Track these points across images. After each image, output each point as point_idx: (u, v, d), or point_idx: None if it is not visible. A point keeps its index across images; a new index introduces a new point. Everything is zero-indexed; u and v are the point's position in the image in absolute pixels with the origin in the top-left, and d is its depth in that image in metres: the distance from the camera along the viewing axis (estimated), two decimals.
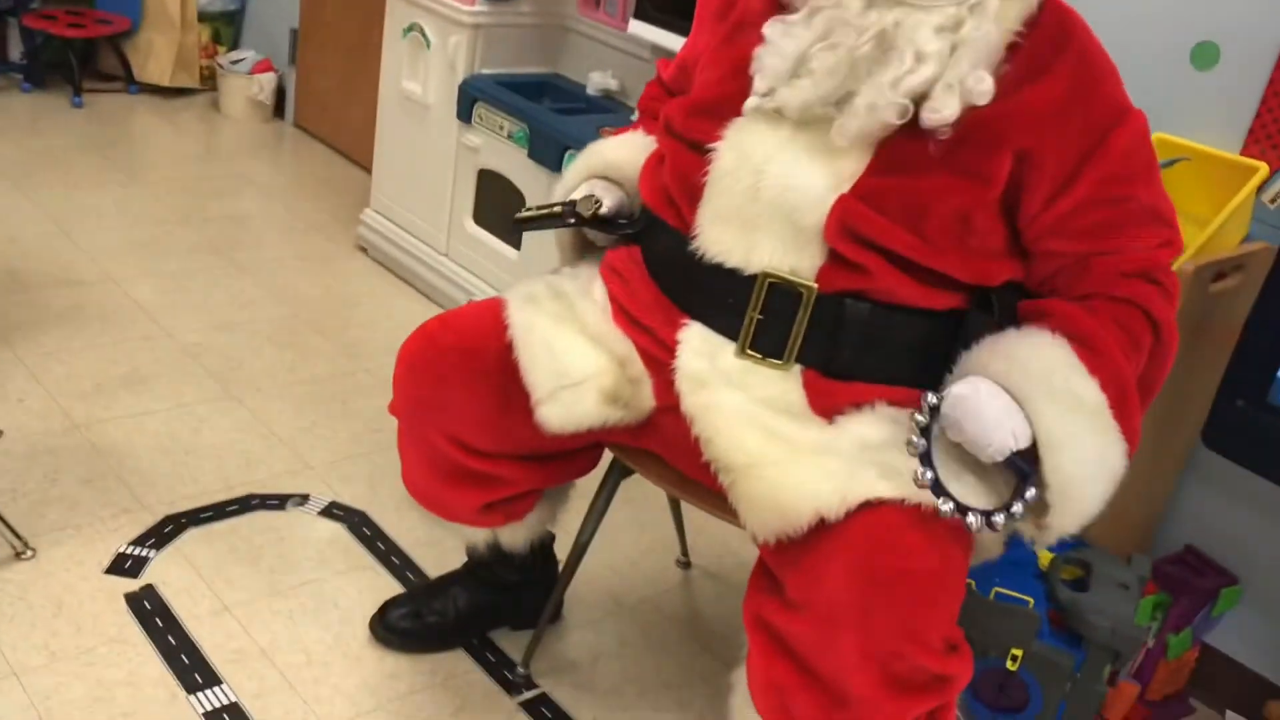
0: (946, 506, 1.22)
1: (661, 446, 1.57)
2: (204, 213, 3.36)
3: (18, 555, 1.87)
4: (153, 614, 1.81)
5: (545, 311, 1.56)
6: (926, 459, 1.23)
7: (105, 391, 2.37)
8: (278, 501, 2.15)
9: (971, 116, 1.30)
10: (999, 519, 1.23)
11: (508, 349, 1.53)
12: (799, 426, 1.38)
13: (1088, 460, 1.25)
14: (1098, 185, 1.32)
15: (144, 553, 1.94)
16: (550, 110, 2.75)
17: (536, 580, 1.90)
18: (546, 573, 1.91)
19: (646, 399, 1.49)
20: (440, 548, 2.08)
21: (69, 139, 3.73)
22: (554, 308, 1.56)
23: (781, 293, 1.38)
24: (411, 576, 2.03)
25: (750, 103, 1.37)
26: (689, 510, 2.06)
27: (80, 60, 4.03)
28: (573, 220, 1.61)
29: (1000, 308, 1.41)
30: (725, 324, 1.43)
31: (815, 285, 1.37)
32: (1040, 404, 1.24)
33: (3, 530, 1.86)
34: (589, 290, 1.59)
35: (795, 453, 1.34)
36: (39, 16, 4.00)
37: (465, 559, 1.89)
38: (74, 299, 2.72)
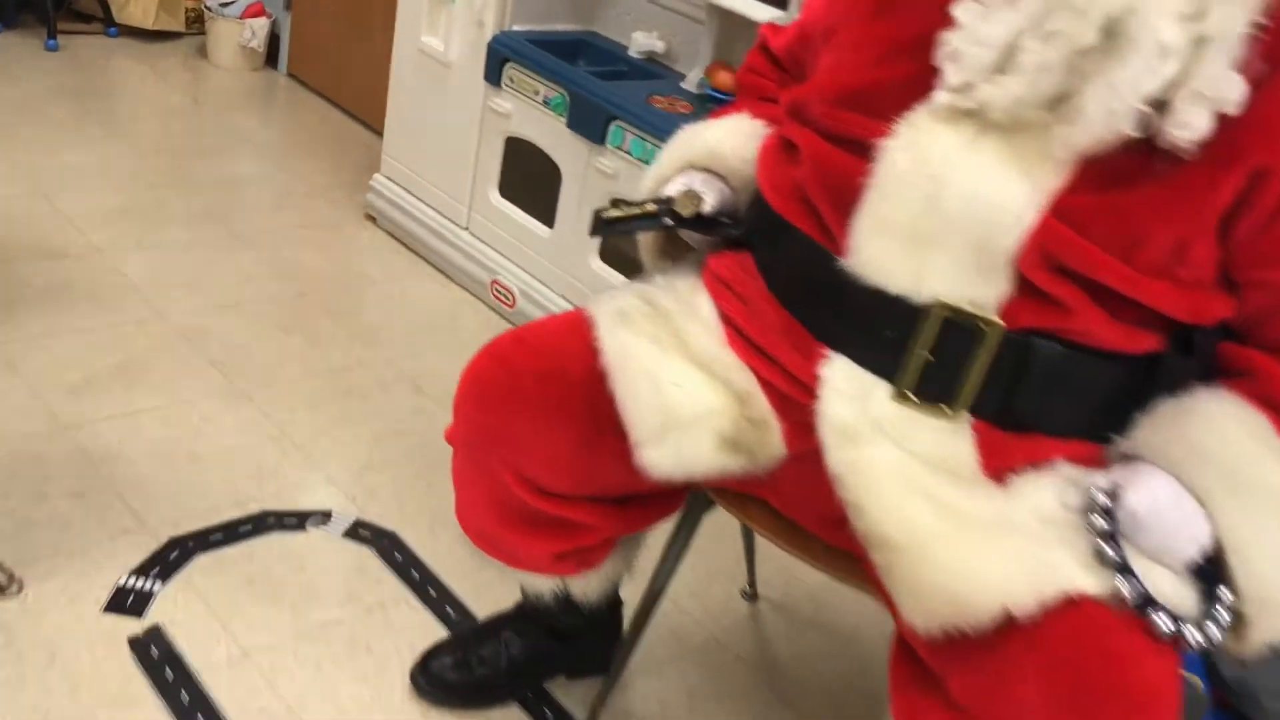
0: (1165, 627, 1.01)
1: (775, 494, 1.34)
2: (195, 174, 3.06)
3: (3, 590, 1.61)
4: (161, 663, 1.57)
5: (643, 333, 1.30)
6: (1126, 570, 1.02)
7: (95, 385, 2.10)
8: (296, 520, 1.90)
9: None
10: (1193, 633, 1.03)
11: (597, 376, 1.28)
12: (969, 493, 1.14)
13: None
14: None
15: (148, 585, 1.69)
16: (590, 74, 2.47)
17: (600, 626, 1.66)
18: (611, 617, 1.68)
19: (774, 445, 1.25)
20: (482, 576, 1.83)
21: (43, 86, 3.40)
22: (653, 328, 1.31)
23: (957, 328, 1.14)
24: (452, 611, 1.79)
25: (941, 98, 1.11)
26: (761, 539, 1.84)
27: None
28: (670, 222, 1.35)
29: (1201, 351, 1.18)
30: (878, 359, 1.19)
31: (1000, 322, 1.13)
32: (1221, 499, 1.05)
33: None
34: (693, 306, 1.34)
35: (967, 528, 1.11)
36: None
37: (517, 595, 1.66)
38: (56, 274, 2.43)
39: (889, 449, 1.16)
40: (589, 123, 2.37)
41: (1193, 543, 1.05)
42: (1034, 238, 1.08)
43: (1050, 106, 1.06)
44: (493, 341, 1.39)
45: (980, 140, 1.11)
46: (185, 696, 1.53)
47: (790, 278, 1.27)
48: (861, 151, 1.16)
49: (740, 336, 1.29)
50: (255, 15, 3.82)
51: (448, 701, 1.62)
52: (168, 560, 1.75)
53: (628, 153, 2.31)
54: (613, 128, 2.32)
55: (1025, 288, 1.12)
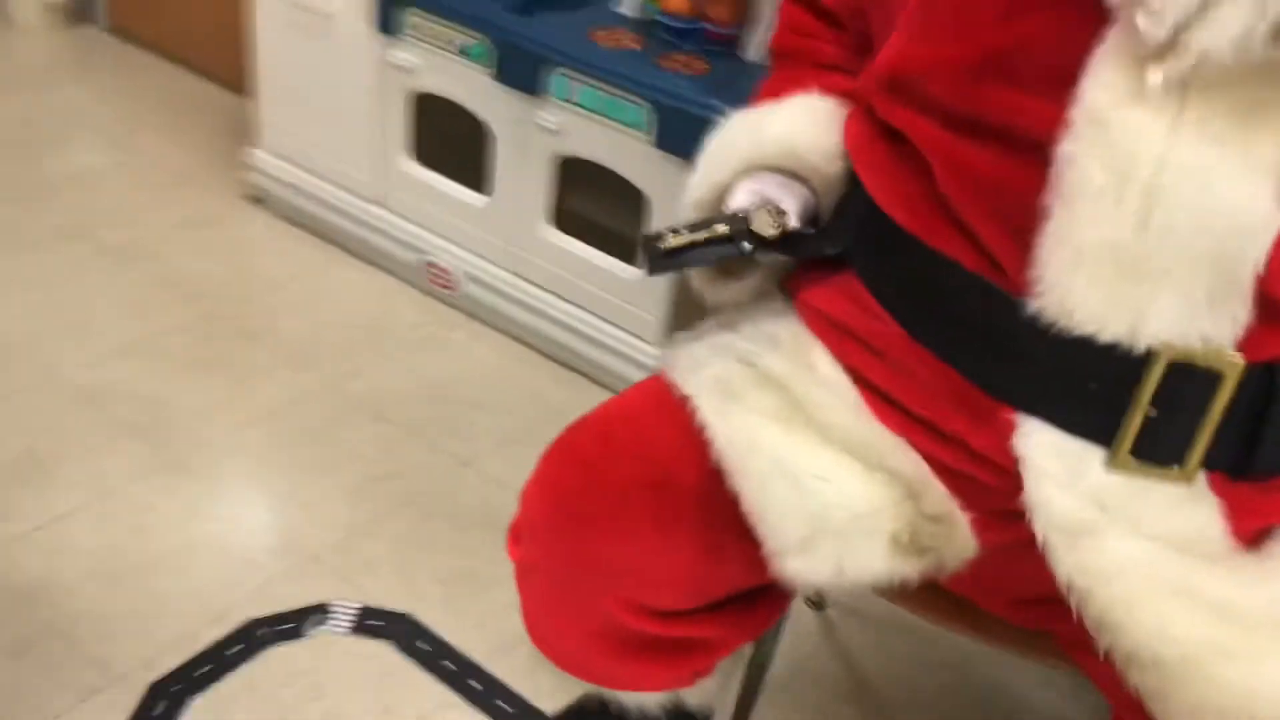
0: None
1: (953, 580, 1.10)
2: (33, 177, 2.57)
3: None
4: None
5: (759, 410, 1.02)
6: None
7: None
8: (292, 626, 1.59)
9: None
10: None
11: (712, 475, 1.01)
12: (1232, 580, 0.91)
13: None
14: None
15: None
16: (509, 11, 2.09)
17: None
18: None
19: (963, 543, 1.00)
20: (521, 651, 1.57)
21: None
22: (770, 403, 1.03)
23: (1188, 374, 0.90)
24: (505, 705, 1.52)
25: (1153, 76, 0.83)
26: None
27: None
28: (749, 246, 1.06)
29: None
30: (1085, 422, 0.94)
31: (1241, 359, 0.89)
32: None
33: None
34: (810, 364, 1.06)
35: (1249, 631, 0.89)
36: None
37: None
38: None
39: (1129, 541, 0.92)
40: (521, 73, 2.02)
41: None
42: None
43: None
44: (568, 439, 1.09)
45: (1186, 120, 0.84)
46: None
47: (944, 321, 1.00)
48: (1014, 146, 0.89)
49: (886, 402, 1.02)
50: None
51: None
52: (152, 717, 1.43)
53: (578, 104, 1.97)
54: (555, 77, 1.97)
55: (1271, 310, 0.89)
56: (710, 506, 1.03)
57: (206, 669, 1.50)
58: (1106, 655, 0.92)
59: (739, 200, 1.10)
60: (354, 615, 1.62)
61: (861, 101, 1.08)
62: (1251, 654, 0.88)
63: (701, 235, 1.06)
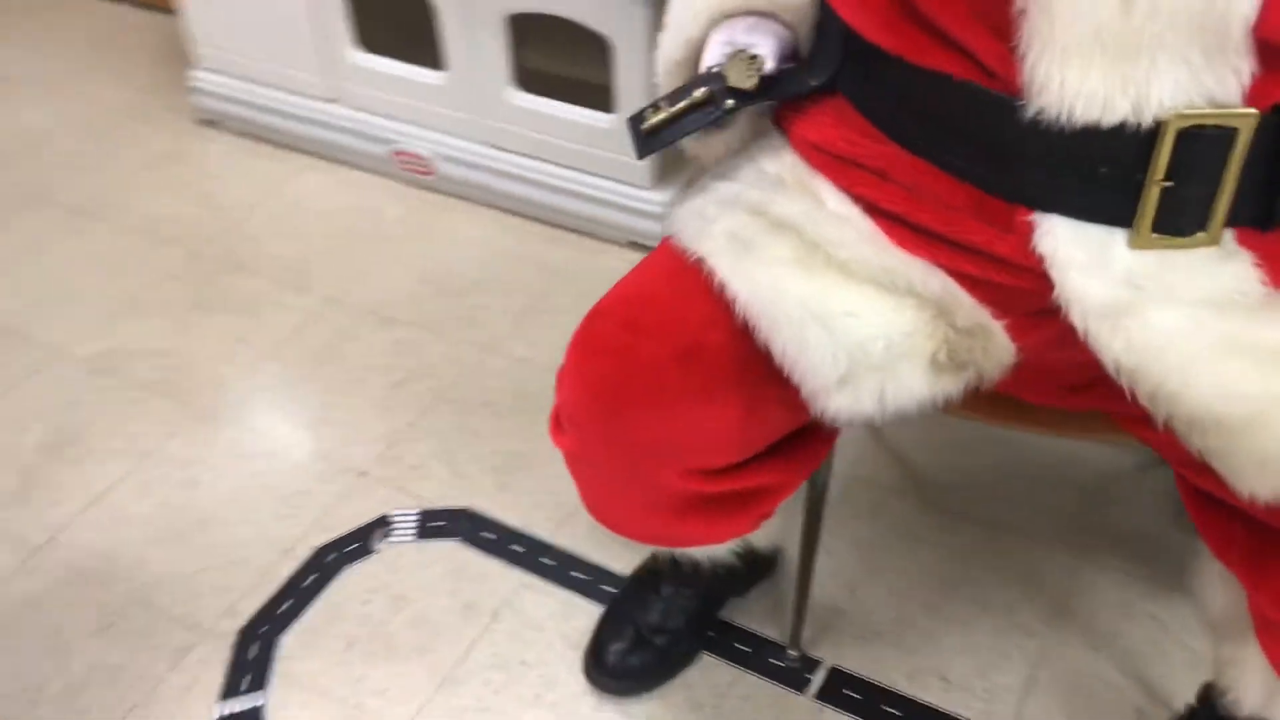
0: None
1: (998, 384, 1.10)
2: None
3: None
4: None
5: (776, 258, 1.00)
6: None
7: (37, 480, 1.73)
8: (358, 545, 1.62)
9: None
10: None
11: (741, 332, 1.00)
12: (1274, 324, 0.91)
13: None
14: None
15: (251, 703, 1.42)
16: None
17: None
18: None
19: (1002, 350, 0.99)
20: (582, 518, 1.59)
21: None
22: (788, 249, 1.00)
23: (1200, 139, 0.87)
24: (581, 574, 1.56)
25: None
26: None
27: None
28: (733, 103, 1.03)
29: None
30: (1102, 207, 0.91)
31: (1253, 110, 0.86)
32: None
33: None
34: (817, 200, 1.03)
35: None
36: None
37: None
38: None
39: (1169, 311, 0.91)
40: None
41: None
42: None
43: None
44: (592, 329, 1.08)
45: None
46: None
47: (944, 133, 0.96)
48: None
49: (902, 226, 0.99)
50: None
51: (640, 688, 1.42)
52: (249, 661, 1.47)
53: None
54: None
55: (1271, 56, 0.85)
56: (744, 364, 1.02)
57: (288, 605, 1.54)
58: (1166, 425, 0.92)
59: (712, 56, 1.05)
60: (415, 521, 1.64)
61: None
62: None
63: (681, 104, 1.03)
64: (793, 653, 1.45)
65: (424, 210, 2.25)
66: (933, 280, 0.98)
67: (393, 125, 2.25)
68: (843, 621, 1.50)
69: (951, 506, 1.64)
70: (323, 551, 1.60)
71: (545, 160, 2.11)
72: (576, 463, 1.17)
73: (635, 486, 1.14)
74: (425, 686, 1.43)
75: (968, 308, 0.98)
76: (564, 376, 1.11)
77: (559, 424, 1.16)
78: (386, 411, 1.81)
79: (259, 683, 1.45)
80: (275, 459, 1.75)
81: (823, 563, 1.55)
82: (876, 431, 1.75)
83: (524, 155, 2.13)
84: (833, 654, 1.46)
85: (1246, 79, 0.84)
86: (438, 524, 1.64)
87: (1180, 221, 0.91)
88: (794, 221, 1.01)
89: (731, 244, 1.02)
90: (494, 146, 2.15)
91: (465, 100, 2.13)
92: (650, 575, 1.47)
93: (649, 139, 1.04)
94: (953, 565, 1.56)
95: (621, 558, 1.57)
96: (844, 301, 0.98)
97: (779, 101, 1.08)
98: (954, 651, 1.46)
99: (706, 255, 1.03)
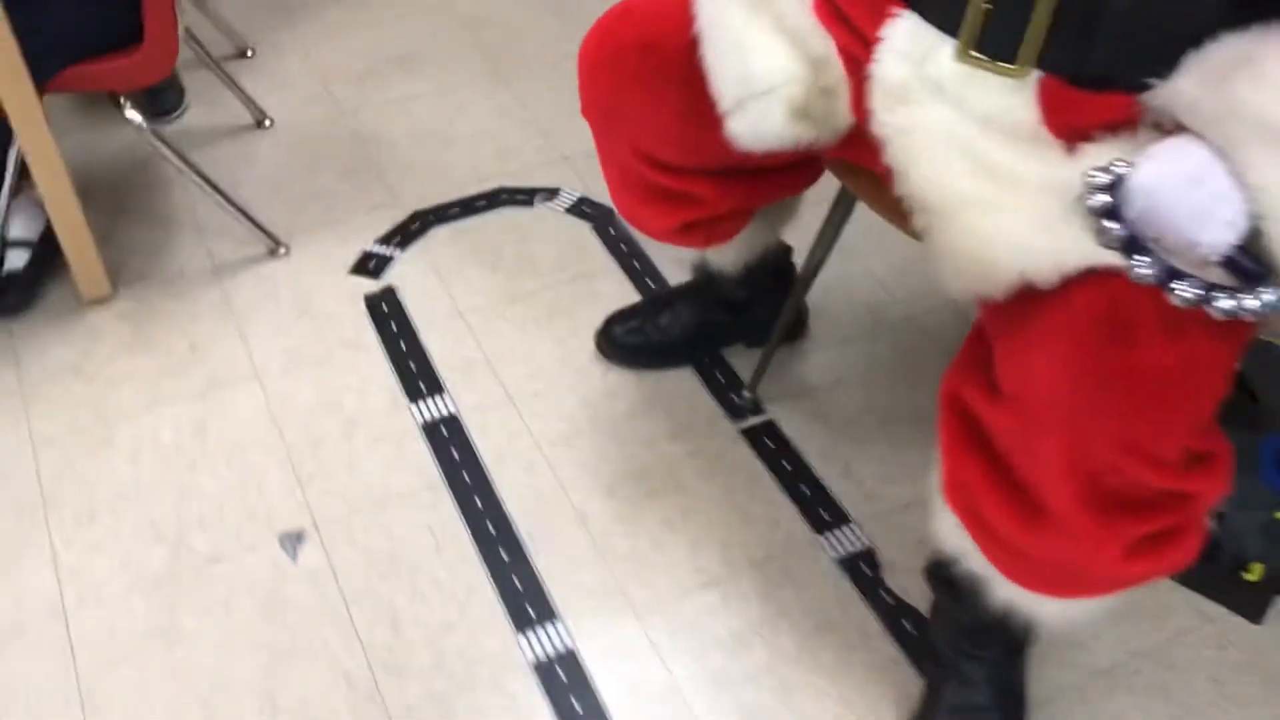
0: (1144, 270, 0.89)
1: (878, 164, 1.28)
2: None
3: (272, 253, 1.92)
4: (388, 318, 1.82)
5: (738, 1, 1.26)
6: (1114, 214, 0.89)
7: (376, 74, 2.33)
8: (527, 196, 2.06)
9: None
10: (1224, 300, 0.88)
11: (692, 43, 1.27)
12: (1022, 154, 1.03)
13: None
14: None
15: (389, 252, 1.94)
16: None
17: (770, 296, 1.70)
18: (781, 288, 1.71)
19: (841, 114, 1.19)
20: (687, 255, 1.91)
21: None
22: None
23: None
24: (652, 284, 1.89)
25: None
26: None
27: None
28: None
29: None
30: (946, 15, 1.08)
31: None
32: (1252, 153, 0.85)
33: (259, 230, 1.91)
34: None
35: (1011, 190, 1.02)
36: None
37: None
38: None
39: (942, 109, 1.07)
40: None
41: (1223, 226, 0.88)
42: None
43: None
44: (602, 16, 1.39)
45: None
46: (403, 345, 1.78)
47: None
48: None
49: (826, 1, 1.21)
50: None
51: (625, 362, 1.76)
52: (409, 230, 1.98)
53: None
54: None
55: None
56: (688, 70, 1.29)
57: (456, 210, 2.02)
58: (902, 200, 1.09)
59: None
60: (574, 200, 2.05)
61: None
62: (1001, 207, 1.02)
63: None
64: (747, 394, 1.70)
65: None
66: (821, 44, 1.20)
67: None
68: (805, 392, 1.72)
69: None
70: (501, 190, 2.07)
71: None
72: (591, 130, 1.50)
73: (613, 161, 1.46)
74: (496, 295, 1.87)
75: (834, 71, 1.19)
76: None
77: None
78: None
79: (404, 244, 1.96)
80: (520, 126, 2.21)
81: (832, 356, 1.77)
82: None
83: None
84: (779, 411, 1.69)
85: None
86: (587, 209, 2.03)
87: (995, 46, 1.06)
88: None
89: None
90: None
91: None
92: (675, 291, 1.77)
93: None
94: (921, 392, 1.70)
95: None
96: (762, 42, 1.22)
97: None
98: (872, 457, 1.63)
99: None
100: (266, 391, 1.70)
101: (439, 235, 1.98)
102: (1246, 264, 0.88)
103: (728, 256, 1.55)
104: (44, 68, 1.57)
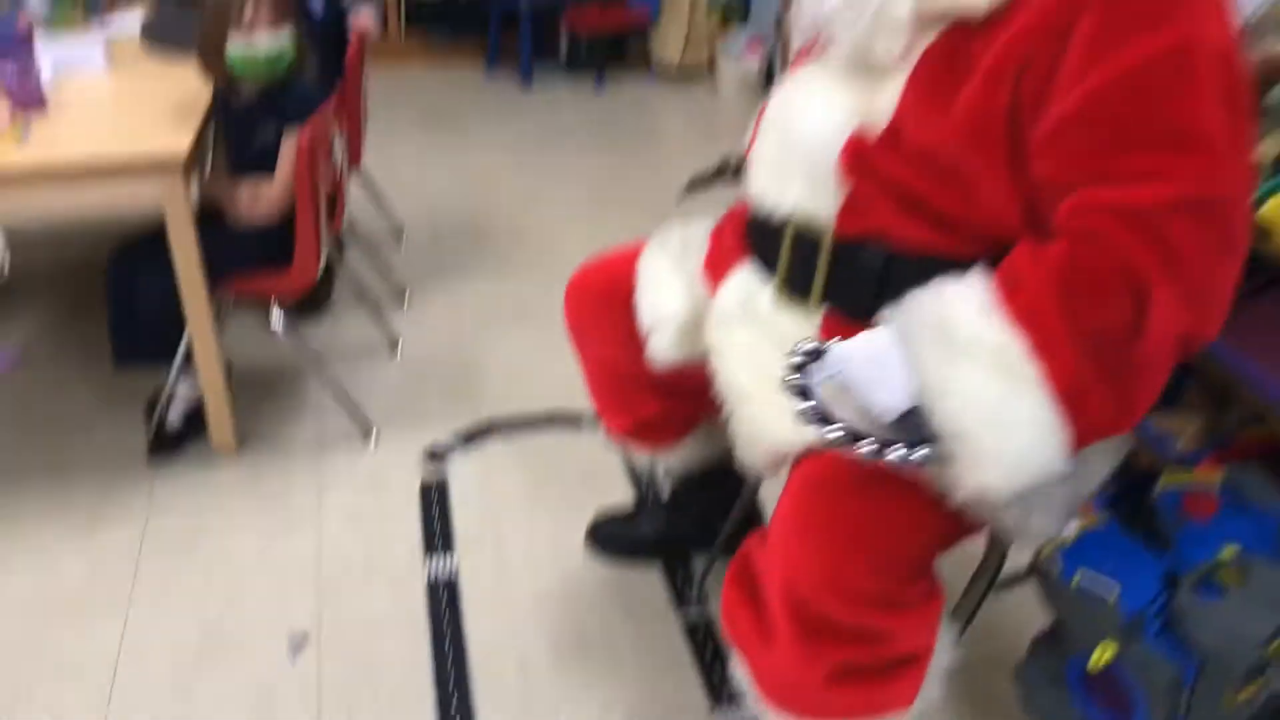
0: (833, 435, 1.16)
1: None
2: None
3: (366, 435, 2.42)
4: (433, 500, 2.26)
5: (668, 254, 1.69)
6: (806, 392, 1.20)
7: (495, 324, 2.89)
8: (574, 422, 2.49)
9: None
10: (896, 453, 1.15)
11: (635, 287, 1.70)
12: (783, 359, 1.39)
13: (982, 404, 1.13)
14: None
15: (454, 446, 2.40)
16: None
17: (719, 503, 2.01)
18: (729, 494, 2.01)
19: (705, 343, 1.58)
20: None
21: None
22: (675, 252, 1.69)
23: (805, 239, 1.38)
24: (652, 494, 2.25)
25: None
26: None
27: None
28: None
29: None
30: (766, 266, 1.47)
31: (831, 232, 1.35)
32: (924, 350, 1.16)
33: (359, 417, 2.42)
34: (700, 245, 1.69)
35: (775, 390, 1.37)
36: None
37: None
38: (512, 251, 3.29)
39: (748, 332, 1.45)
40: None
41: (895, 394, 1.17)
42: (846, 153, 1.30)
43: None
44: (583, 264, 1.84)
45: (834, 72, 1.36)
46: (436, 516, 2.20)
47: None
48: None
49: (713, 260, 1.62)
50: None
51: (605, 557, 2.10)
52: (474, 434, 2.44)
53: None
54: None
55: (851, 199, 1.33)
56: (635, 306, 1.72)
57: (516, 424, 2.47)
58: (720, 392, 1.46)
59: None
60: None
61: None
62: (767, 403, 1.38)
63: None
64: (694, 590, 2.01)
65: None
66: (702, 290, 1.61)
67: None
68: None
69: None
70: (555, 414, 2.51)
71: None
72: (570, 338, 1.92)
73: (582, 360, 1.88)
74: (528, 494, 2.27)
75: (705, 309, 1.59)
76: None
77: None
78: None
79: (467, 443, 2.41)
80: None
81: None
82: None
83: None
84: (717, 607, 1.98)
85: (837, 208, 1.37)
86: None
87: (795, 290, 1.44)
88: (693, 242, 1.70)
89: (660, 242, 1.74)
90: None
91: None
92: (648, 502, 2.13)
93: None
94: None
95: None
96: (669, 287, 1.65)
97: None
98: None
99: (649, 245, 1.75)
100: (323, 537, 2.15)
101: (497, 442, 2.43)
102: (911, 426, 1.18)
103: (672, 462, 1.91)
104: (214, 278, 2.18)
